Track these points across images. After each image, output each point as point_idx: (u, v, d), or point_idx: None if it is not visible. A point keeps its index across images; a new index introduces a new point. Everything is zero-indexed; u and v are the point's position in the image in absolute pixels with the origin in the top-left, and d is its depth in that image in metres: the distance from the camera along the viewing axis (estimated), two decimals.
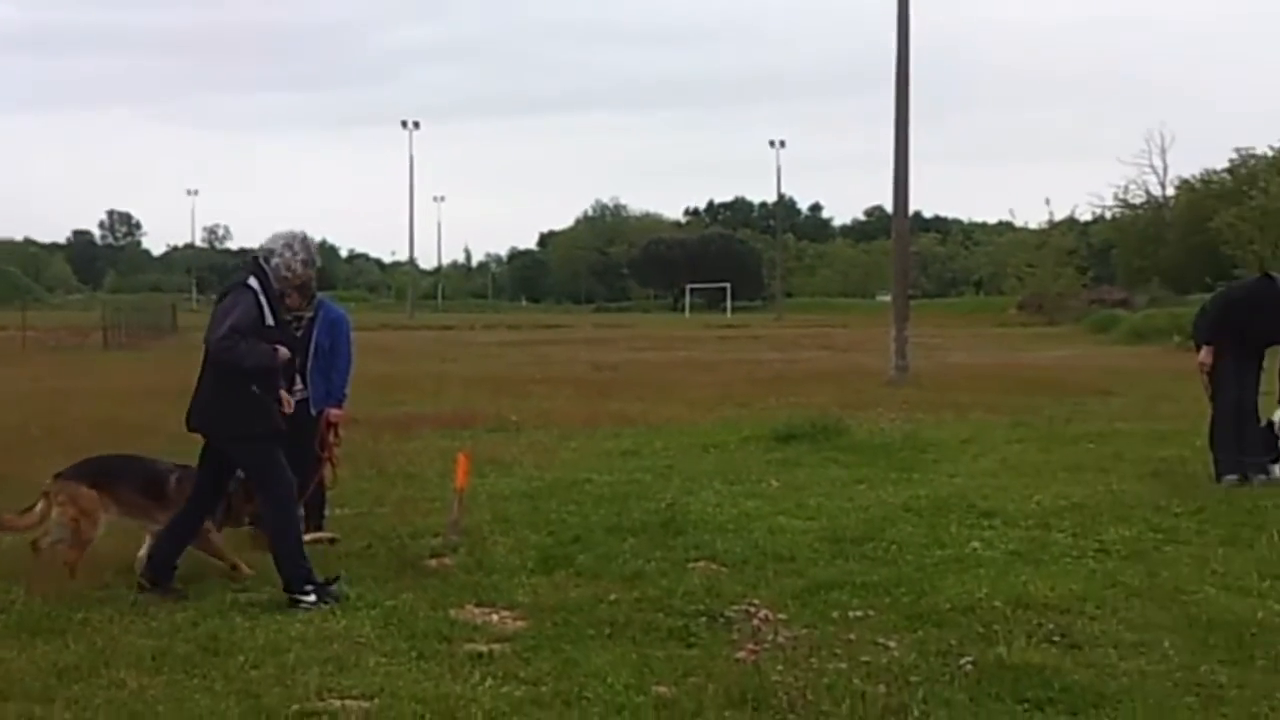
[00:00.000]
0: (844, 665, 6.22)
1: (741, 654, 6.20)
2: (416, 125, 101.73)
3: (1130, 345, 43.51)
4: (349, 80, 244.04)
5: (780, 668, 6.06)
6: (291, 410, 8.64)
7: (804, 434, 15.14)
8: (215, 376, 8.18)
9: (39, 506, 8.45)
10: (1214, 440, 11.85)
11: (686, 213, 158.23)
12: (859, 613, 7.29)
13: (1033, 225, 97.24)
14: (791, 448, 14.53)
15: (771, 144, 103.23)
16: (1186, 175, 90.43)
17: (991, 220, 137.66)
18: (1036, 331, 59.26)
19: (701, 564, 8.74)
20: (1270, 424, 11.75)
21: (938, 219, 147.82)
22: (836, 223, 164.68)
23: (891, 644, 6.54)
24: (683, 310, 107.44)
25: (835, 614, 7.31)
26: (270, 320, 8.18)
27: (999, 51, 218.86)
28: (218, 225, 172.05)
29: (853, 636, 6.74)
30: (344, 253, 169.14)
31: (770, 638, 6.28)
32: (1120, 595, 7.80)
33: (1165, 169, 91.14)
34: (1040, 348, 42.82)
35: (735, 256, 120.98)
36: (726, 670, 6.21)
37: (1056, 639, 6.85)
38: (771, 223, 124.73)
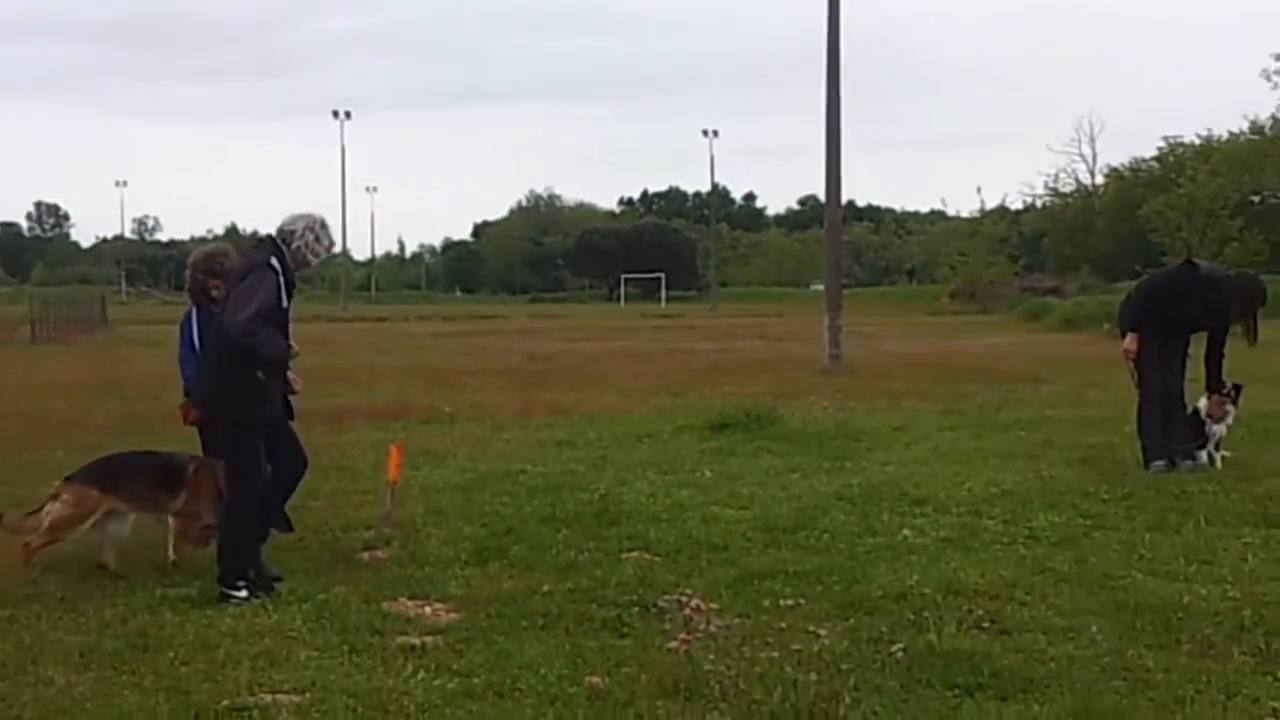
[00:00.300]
0: (776, 654, 6.23)
1: (674, 644, 6.18)
2: (348, 115, 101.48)
3: (1061, 333, 43.92)
4: (280, 70, 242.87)
5: (712, 657, 6.06)
6: (300, 390, 8.58)
7: (738, 423, 15.17)
8: (222, 357, 8.03)
9: (46, 509, 8.42)
10: (1142, 427, 11.96)
11: (621, 203, 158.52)
12: (791, 601, 7.29)
13: (965, 214, 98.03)
14: (725, 437, 14.55)
15: (705, 133, 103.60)
16: (1116, 164, 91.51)
17: (924, 209, 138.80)
18: (969, 320, 59.66)
19: (635, 554, 8.75)
20: (1196, 411, 11.88)
21: (871, 208, 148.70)
22: (770, 212, 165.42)
23: (823, 632, 6.54)
24: (618, 300, 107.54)
25: (768, 603, 7.32)
26: (285, 303, 8.09)
27: (930, 40, 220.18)
28: (147, 216, 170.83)
29: (785, 625, 6.73)
30: None
31: (702, 627, 6.27)
32: (1049, 581, 7.87)
33: (1095, 157, 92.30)
34: (972, 336, 43.12)
35: (670, 246, 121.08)
36: (659, 660, 6.21)
37: (986, 625, 6.90)
38: (706, 212, 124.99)
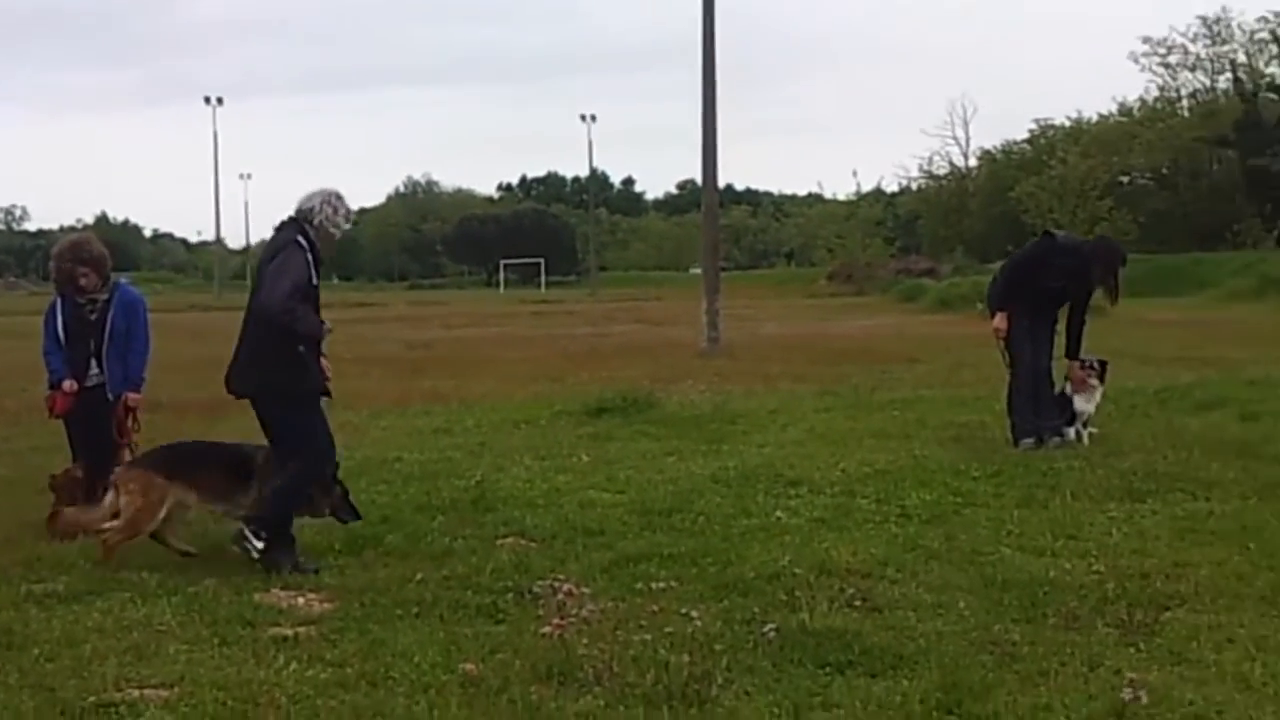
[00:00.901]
0: (649, 636, 6.26)
1: (548, 629, 6.20)
2: (220, 101, 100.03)
3: (936, 313, 44.40)
4: (151, 56, 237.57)
5: (586, 641, 6.08)
6: (329, 375, 8.58)
7: (615, 408, 15.20)
8: (261, 337, 8.15)
9: (108, 499, 8.38)
10: (1011, 405, 12.16)
11: (499, 188, 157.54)
12: (666, 584, 7.34)
13: (841, 197, 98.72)
14: (603, 422, 14.57)
15: (583, 118, 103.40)
16: (988, 146, 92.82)
17: (802, 192, 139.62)
18: (846, 301, 60.15)
19: (511, 540, 8.74)
20: (1063, 391, 12.09)
21: (750, 192, 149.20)
22: (649, 196, 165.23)
23: (695, 614, 6.59)
24: (497, 286, 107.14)
25: (643, 586, 7.34)
26: (315, 280, 8.22)
27: (805, 23, 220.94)
28: (14, 206, 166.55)
29: (659, 607, 6.79)
30: (148, 232, 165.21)
31: (576, 611, 6.30)
32: (920, 558, 7.98)
33: (968, 140, 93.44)
34: (849, 317, 43.49)
35: (549, 232, 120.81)
36: (533, 645, 6.22)
37: (858, 603, 6.97)
38: (585, 197, 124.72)
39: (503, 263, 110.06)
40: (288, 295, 7.99)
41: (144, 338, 9.87)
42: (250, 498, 8.41)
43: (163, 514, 8.34)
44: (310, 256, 8.18)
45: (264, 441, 8.59)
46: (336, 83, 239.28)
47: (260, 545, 7.97)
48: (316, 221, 8.33)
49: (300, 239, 8.19)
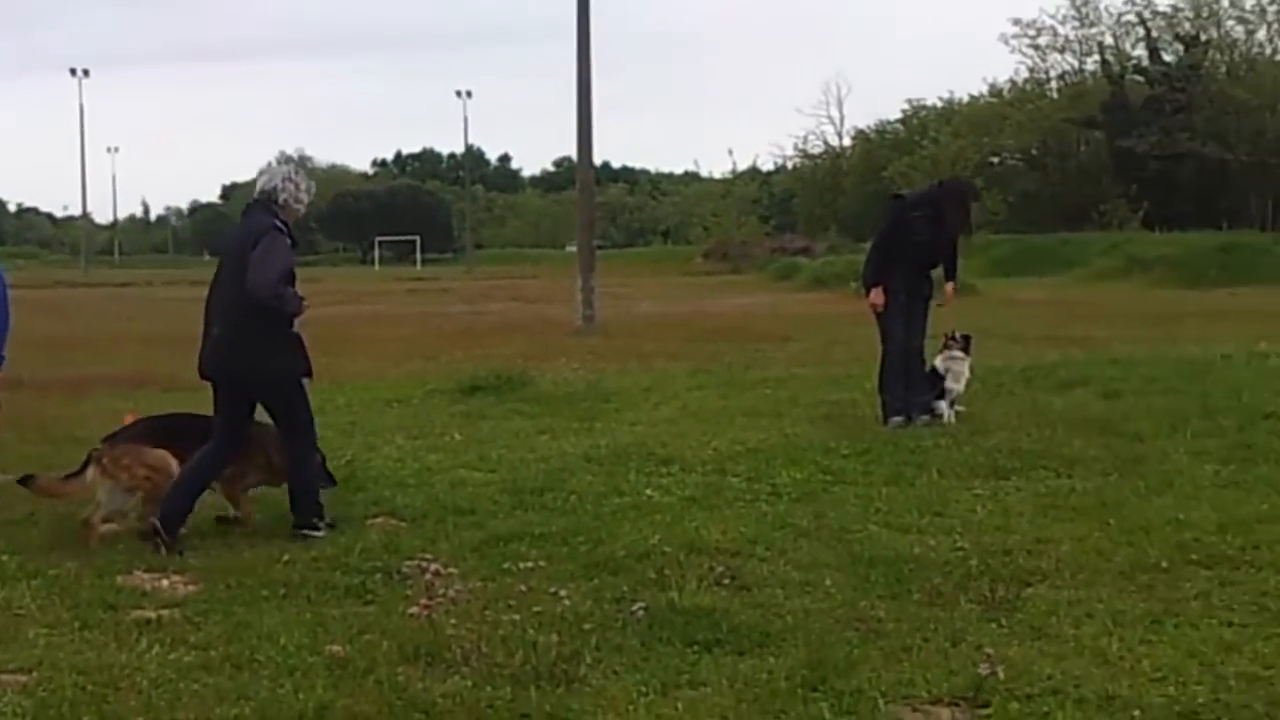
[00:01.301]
0: (518, 616, 6.25)
1: (415, 609, 6.16)
2: (86, 73, 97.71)
3: (811, 292, 44.77)
4: (14, 27, 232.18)
5: (454, 621, 6.06)
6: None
7: (489, 386, 15.14)
8: (249, 321, 8.32)
9: (89, 473, 8.41)
10: (883, 383, 12.29)
11: (374, 164, 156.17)
12: (536, 563, 7.32)
13: (717, 175, 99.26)
14: (476, 400, 14.52)
15: (458, 94, 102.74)
16: (862, 126, 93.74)
17: (678, 170, 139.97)
18: (721, 280, 60.43)
19: (381, 520, 8.69)
20: (934, 368, 12.25)
21: (626, 169, 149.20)
22: (526, 173, 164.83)
23: (564, 593, 6.59)
24: (372, 263, 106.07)
25: (513, 565, 7.32)
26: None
27: (681, 1, 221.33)
28: None
29: (528, 587, 6.77)
30: (12, 207, 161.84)
31: (444, 592, 6.26)
32: (789, 536, 8.04)
33: (842, 120, 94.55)
34: (724, 296, 43.70)
35: (424, 208, 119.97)
36: (401, 626, 6.19)
37: (727, 581, 7.01)
38: (461, 174, 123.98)
39: (378, 240, 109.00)
40: (277, 280, 8.24)
41: (3, 315, 9.65)
42: (228, 469, 8.62)
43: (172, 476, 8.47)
44: (290, 240, 8.48)
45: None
46: (207, 54, 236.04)
47: (319, 532, 8.32)
48: (281, 200, 8.57)
49: (279, 224, 8.44)
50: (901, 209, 12.34)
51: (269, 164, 9.30)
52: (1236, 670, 5.50)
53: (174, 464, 8.46)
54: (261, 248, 8.26)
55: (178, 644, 6.16)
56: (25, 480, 8.63)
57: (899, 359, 12.17)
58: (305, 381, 8.71)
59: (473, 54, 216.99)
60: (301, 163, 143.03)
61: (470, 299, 42.56)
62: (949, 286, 12.40)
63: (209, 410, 8.64)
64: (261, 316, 8.30)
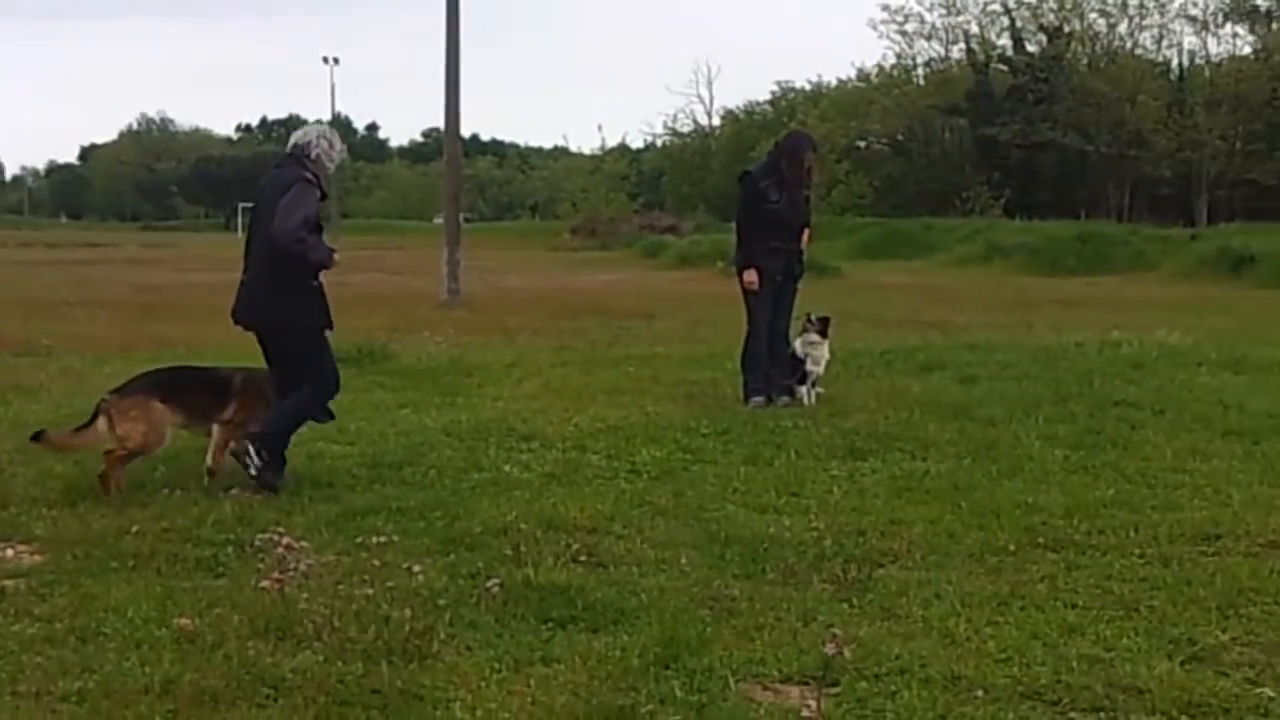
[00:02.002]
0: (372, 591, 6.22)
1: (267, 583, 6.10)
2: None
3: (677, 270, 44.94)
4: None
5: (306, 595, 6.01)
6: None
7: (350, 358, 14.91)
8: (275, 269, 8.66)
9: (99, 423, 8.62)
10: (745, 363, 12.36)
11: (239, 129, 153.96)
12: (392, 538, 7.29)
13: (587, 151, 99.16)
14: None
15: (325, 60, 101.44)
16: (731, 106, 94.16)
17: (548, 145, 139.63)
18: (589, 256, 60.42)
19: (235, 492, 8.53)
20: (794, 352, 12.33)
21: (495, 142, 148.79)
22: (394, 143, 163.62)
23: (417, 569, 6.55)
24: (235, 230, 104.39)
25: (368, 540, 7.25)
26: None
27: None
28: None
29: (383, 561, 6.73)
30: None
31: (296, 565, 6.20)
32: (647, 514, 8.07)
33: (711, 99, 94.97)
34: (591, 272, 43.71)
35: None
36: (252, 600, 6.11)
37: (583, 559, 7.03)
38: None
39: (241, 206, 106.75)
40: (299, 226, 8.51)
41: None
42: (229, 416, 8.97)
43: (168, 437, 8.85)
44: (319, 192, 8.81)
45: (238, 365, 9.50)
46: (64, 10, 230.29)
47: (259, 463, 8.49)
48: (314, 155, 8.93)
49: (308, 175, 8.77)
50: (751, 183, 12.37)
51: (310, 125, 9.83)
52: (1079, 652, 5.62)
53: (168, 421, 8.77)
54: (289, 196, 8.59)
55: (21, 615, 6.07)
56: (37, 436, 8.86)
57: (762, 340, 12.25)
58: (328, 334, 9.09)
59: (341, 20, 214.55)
60: (163, 125, 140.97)
61: (335, 269, 41.92)
62: (804, 234, 12.47)
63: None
64: (281, 265, 8.62)
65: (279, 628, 5.78)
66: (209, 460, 8.99)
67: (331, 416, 9.36)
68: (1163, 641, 5.76)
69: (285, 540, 6.37)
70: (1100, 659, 5.56)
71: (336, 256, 8.90)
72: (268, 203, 8.75)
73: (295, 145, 9.02)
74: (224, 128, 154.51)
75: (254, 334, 9.13)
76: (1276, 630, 5.89)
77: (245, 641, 5.64)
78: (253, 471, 8.54)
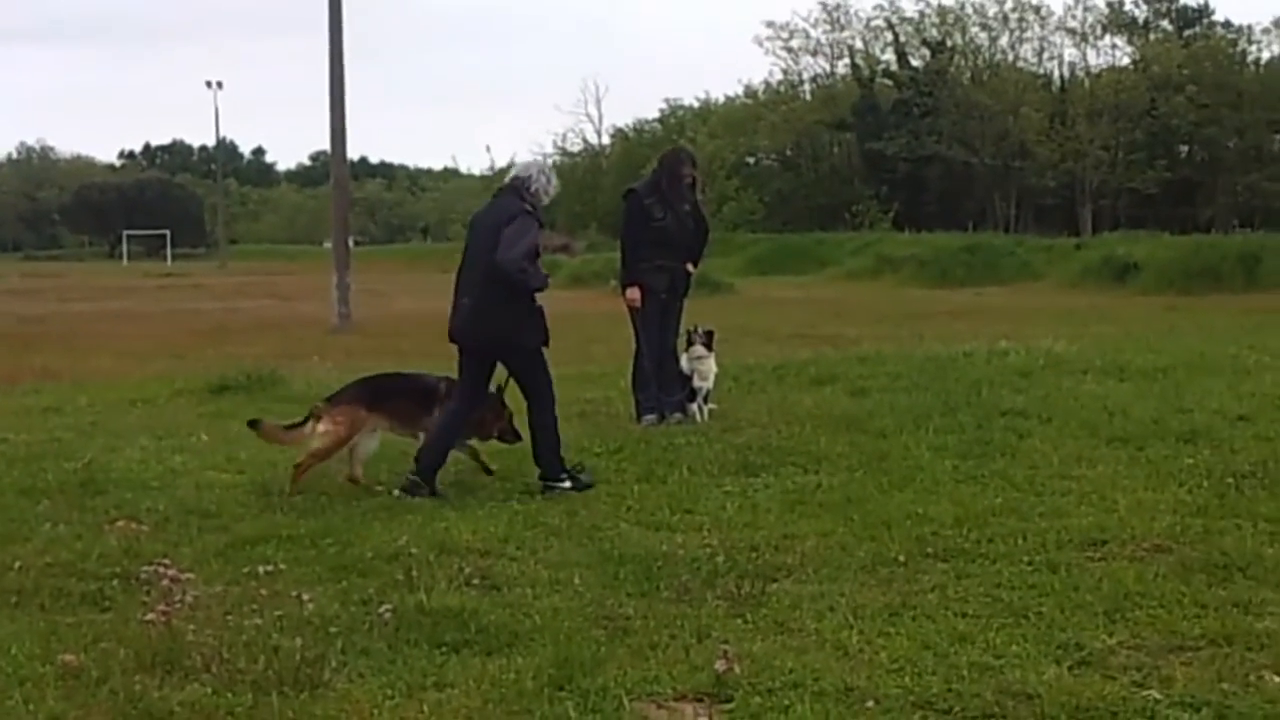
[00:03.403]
0: (261, 620, 6.14)
1: (153, 616, 6.00)
2: None
3: (570, 290, 44.79)
4: None
5: (194, 627, 5.92)
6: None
7: (239, 385, 14.85)
8: (498, 293, 9.32)
9: (308, 427, 9.49)
10: (636, 381, 12.35)
11: (121, 156, 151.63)
12: (282, 566, 7.21)
13: (476, 172, 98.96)
14: (225, 400, 14.21)
15: (209, 84, 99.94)
16: (621, 124, 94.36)
17: (437, 166, 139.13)
18: None
19: (121, 524, 8.40)
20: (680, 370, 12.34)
21: (384, 164, 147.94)
22: (281, 167, 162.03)
23: (310, 596, 6.49)
24: (120, 258, 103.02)
25: (258, 569, 7.17)
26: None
27: None
28: None
29: (273, 591, 6.65)
30: None
31: (183, 597, 6.11)
32: (541, 535, 8.05)
33: (601, 118, 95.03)
34: None
35: (175, 202, 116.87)
36: (139, 633, 5.99)
37: (476, 581, 6.99)
38: (213, 167, 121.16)
39: (126, 234, 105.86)
40: (523, 255, 9.20)
41: None
42: (433, 425, 9.63)
43: (353, 441, 9.55)
44: (538, 222, 9.46)
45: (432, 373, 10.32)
46: None
47: (566, 484, 9.34)
48: (533, 189, 9.57)
49: (529, 208, 9.44)
50: (636, 200, 12.38)
51: (529, 159, 10.62)
52: (969, 660, 5.67)
53: (360, 422, 9.57)
54: (514, 227, 9.24)
55: None
56: (253, 423, 9.81)
57: (652, 358, 12.26)
58: (545, 350, 9.71)
59: (224, 44, 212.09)
60: (44, 153, 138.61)
61: (223, 296, 41.70)
62: (689, 266, 12.52)
63: None
64: (507, 289, 9.26)
65: (166, 661, 5.68)
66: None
67: (519, 438, 9.98)
68: (1051, 647, 5.82)
69: (171, 572, 6.29)
70: (990, 666, 5.61)
71: (550, 281, 9.64)
72: (487, 230, 9.43)
73: (516, 178, 9.67)
74: (106, 154, 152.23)
75: (463, 351, 9.78)
76: (1162, 634, 5.98)
77: (132, 676, 5.54)
78: (559, 491, 9.25)
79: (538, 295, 9.50)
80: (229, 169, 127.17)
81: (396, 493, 9.30)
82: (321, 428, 9.42)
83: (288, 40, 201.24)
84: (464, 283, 9.62)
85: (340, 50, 28.25)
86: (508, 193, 9.66)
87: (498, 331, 9.43)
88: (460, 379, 9.76)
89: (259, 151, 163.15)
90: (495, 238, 9.24)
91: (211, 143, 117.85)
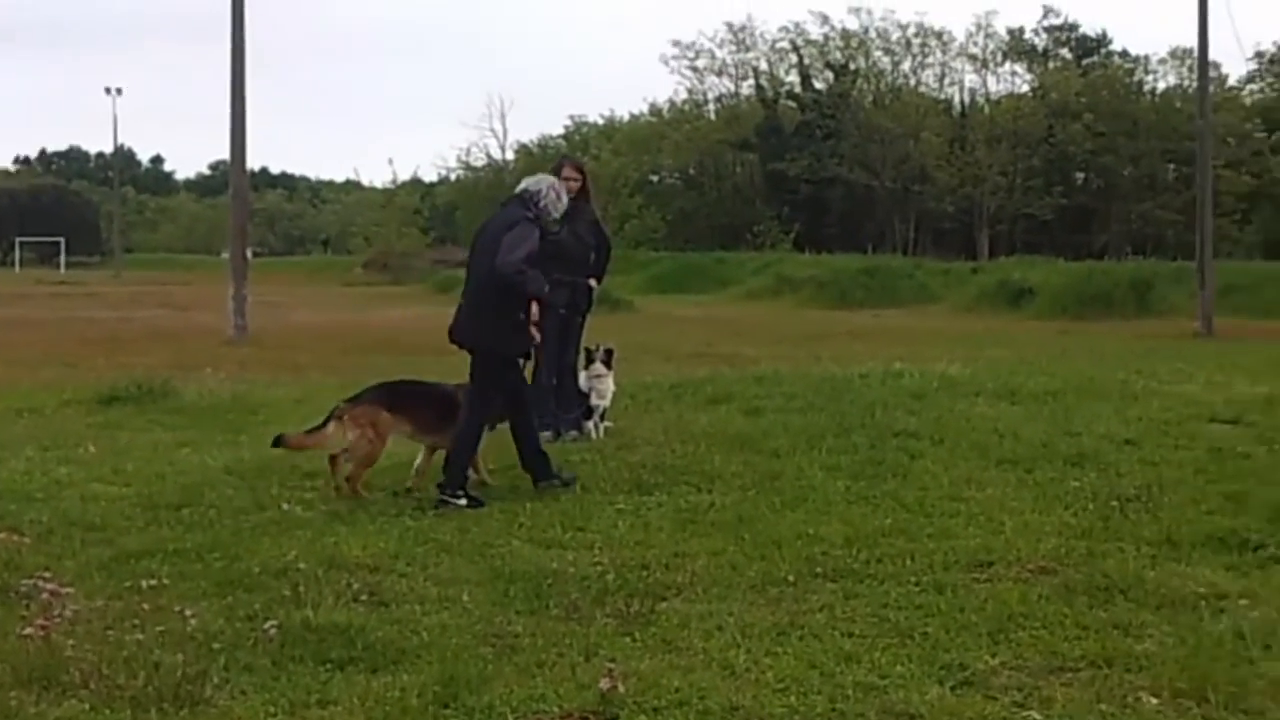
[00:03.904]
0: (143, 636, 6.05)
1: (31, 630, 5.89)
2: None
3: None
4: None
5: (74, 642, 5.82)
6: (538, 340, 10.24)
7: (129, 396, 14.66)
8: (488, 298, 9.68)
9: (329, 427, 9.72)
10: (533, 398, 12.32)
11: (16, 161, 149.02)
12: (166, 581, 7.11)
13: (379, 184, 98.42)
14: (115, 410, 14.03)
15: (108, 91, 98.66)
16: (525, 140, 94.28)
17: (339, 178, 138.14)
18: (381, 291, 59.91)
19: (3, 536, 8.23)
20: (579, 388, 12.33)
21: (285, 175, 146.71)
22: (180, 176, 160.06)
23: (194, 612, 6.40)
24: (12, 265, 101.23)
25: (142, 583, 7.07)
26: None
27: (342, 6, 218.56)
28: None
29: (156, 605, 6.56)
30: None
31: (62, 611, 6.01)
32: (431, 551, 8.00)
33: (505, 133, 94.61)
34: (384, 307, 43.36)
35: (70, 209, 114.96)
36: (16, 648, 5.89)
37: (364, 598, 6.94)
38: (110, 174, 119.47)
39: (19, 241, 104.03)
40: (522, 260, 9.46)
41: None
42: (452, 432, 9.72)
43: (389, 442, 9.83)
44: (539, 231, 9.76)
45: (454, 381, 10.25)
46: None
47: (462, 501, 9.30)
48: (541, 204, 9.89)
49: (529, 216, 9.75)
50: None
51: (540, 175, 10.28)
52: (854, 679, 5.71)
53: (390, 429, 9.80)
54: (515, 233, 9.56)
55: None
56: (277, 441, 9.90)
57: (550, 375, 12.25)
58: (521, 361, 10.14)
59: (124, 51, 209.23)
60: None
61: (117, 305, 41.11)
62: (590, 281, 12.56)
63: None
64: (495, 296, 9.60)
65: (44, 676, 5.58)
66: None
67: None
68: (935, 667, 5.88)
69: (52, 585, 6.18)
70: (875, 686, 5.65)
71: (547, 288, 9.91)
72: (491, 237, 9.74)
73: (526, 190, 10.00)
74: (0, 160, 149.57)
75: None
76: (1044, 655, 6.05)
77: (8, 691, 5.45)
78: (453, 508, 9.23)
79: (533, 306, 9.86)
80: (126, 177, 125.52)
81: (432, 513, 9.15)
82: (352, 435, 9.66)
83: (189, 48, 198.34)
84: (467, 287, 10.04)
85: (242, 59, 28.01)
86: (515, 203, 10.00)
87: (482, 334, 9.73)
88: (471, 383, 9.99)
89: (157, 160, 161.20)
90: (498, 244, 9.56)
91: (109, 150, 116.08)
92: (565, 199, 10.24)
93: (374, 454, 9.75)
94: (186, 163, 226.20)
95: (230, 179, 31.04)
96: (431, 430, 9.98)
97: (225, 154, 28.87)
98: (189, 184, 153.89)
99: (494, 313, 9.69)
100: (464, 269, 10.52)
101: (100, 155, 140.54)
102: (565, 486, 9.72)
